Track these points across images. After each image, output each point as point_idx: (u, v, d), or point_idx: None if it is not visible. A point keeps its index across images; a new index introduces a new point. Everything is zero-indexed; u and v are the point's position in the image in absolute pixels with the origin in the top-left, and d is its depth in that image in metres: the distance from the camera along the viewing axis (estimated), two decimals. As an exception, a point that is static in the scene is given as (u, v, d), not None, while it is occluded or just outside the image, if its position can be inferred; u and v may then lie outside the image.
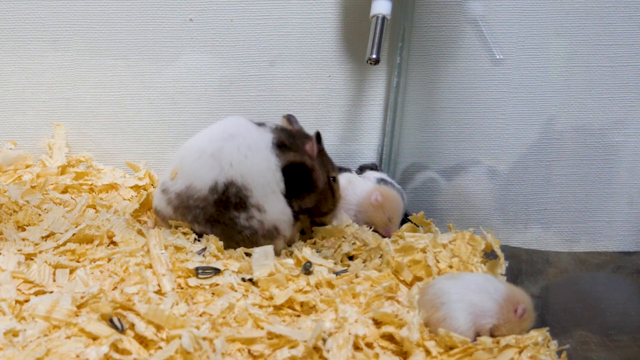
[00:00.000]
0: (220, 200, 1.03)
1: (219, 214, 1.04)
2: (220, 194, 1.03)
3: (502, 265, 1.04)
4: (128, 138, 1.36)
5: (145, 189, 1.27)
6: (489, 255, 1.08)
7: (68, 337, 0.81)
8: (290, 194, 1.07)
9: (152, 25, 1.29)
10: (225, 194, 1.03)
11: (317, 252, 1.08)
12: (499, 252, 1.06)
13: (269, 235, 1.06)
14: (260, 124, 1.11)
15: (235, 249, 1.05)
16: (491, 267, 1.05)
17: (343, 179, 1.20)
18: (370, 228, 1.17)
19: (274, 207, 1.05)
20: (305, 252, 1.04)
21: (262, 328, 0.85)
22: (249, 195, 1.03)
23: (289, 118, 1.16)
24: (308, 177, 1.08)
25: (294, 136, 1.10)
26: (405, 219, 1.22)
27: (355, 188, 1.21)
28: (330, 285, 0.98)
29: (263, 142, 1.06)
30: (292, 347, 0.82)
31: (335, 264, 1.05)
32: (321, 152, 1.10)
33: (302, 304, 0.93)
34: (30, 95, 1.34)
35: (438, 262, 1.05)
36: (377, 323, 0.90)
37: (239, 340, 0.83)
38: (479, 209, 1.28)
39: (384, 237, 1.16)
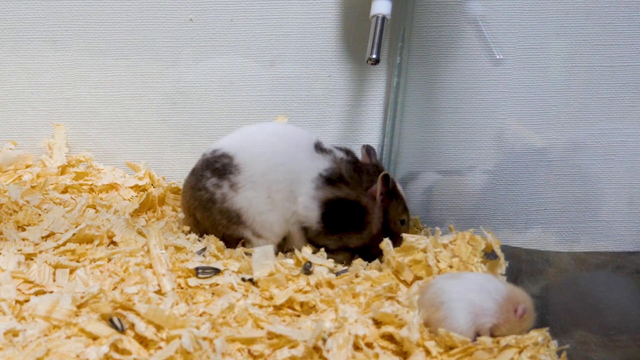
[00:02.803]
0: (209, 159, 1.08)
1: (200, 168, 1.09)
2: (213, 155, 1.08)
3: (503, 265, 1.04)
4: (128, 138, 1.36)
5: (145, 189, 1.27)
6: (489, 255, 1.08)
7: (68, 337, 0.81)
8: (331, 229, 1.06)
9: (152, 25, 1.29)
10: (215, 157, 1.08)
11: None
12: (499, 252, 1.05)
13: (226, 215, 1.06)
14: (326, 150, 1.09)
15: (195, 208, 1.08)
16: (491, 267, 1.05)
17: None
18: None
19: (251, 200, 1.05)
20: (305, 252, 1.04)
21: (262, 328, 0.85)
22: (233, 173, 1.05)
23: (368, 150, 1.13)
24: (356, 215, 1.06)
25: (361, 172, 1.08)
26: None
27: None
28: (330, 285, 0.98)
29: (309, 170, 1.06)
30: (292, 347, 0.82)
31: (335, 264, 1.05)
32: (389, 195, 1.07)
33: (302, 304, 0.93)
34: (30, 95, 1.34)
35: (438, 262, 1.05)
36: (377, 323, 0.90)
37: (239, 340, 0.83)
38: (479, 209, 1.28)
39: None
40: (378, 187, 1.06)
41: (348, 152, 1.11)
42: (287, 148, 1.07)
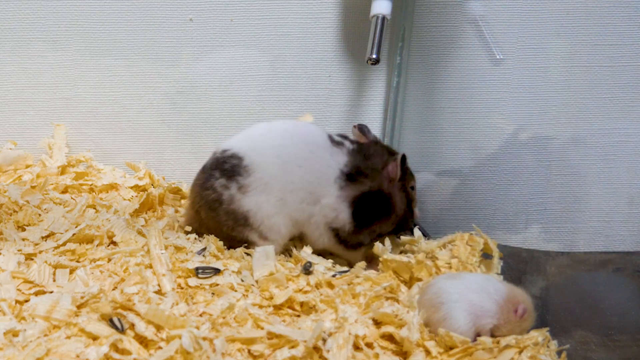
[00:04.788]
0: (218, 158, 1.06)
1: (209, 167, 1.07)
2: (222, 155, 1.06)
3: (497, 264, 1.04)
4: (128, 138, 1.36)
5: (145, 189, 1.27)
6: (490, 255, 1.08)
7: (68, 337, 0.81)
8: (362, 224, 1.05)
9: (152, 25, 1.29)
10: (225, 158, 1.05)
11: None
12: (494, 250, 1.05)
13: (232, 216, 1.04)
14: (339, 143, 1.07)
15: (201, 206, 1.06)
16: (486, 267, 1.05)
17: None
18: None
19: (261, 204, 1.03)
20: (305, 252, 1.04)
21: (262, 328, 0.85)
22: (242, 175, 1.04)
23: (361, 128, 1.11)
24: (382, 203, 1.06)
25: (371, 155, 1.07)
26: None
27: None
28: (330, 285, 0.98)
29: (330, 169, 1.04)
30: (292, 347, 0.82)
31: (334, 264, 1.05)
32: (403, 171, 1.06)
33: (302, 304, 0.93)
34: (30, 95, 1.34)
35: (438, 261, 1.05)
36: (377, 323, 0.90)
37: (239, 340, 0.83)
38: (478, 209, 1.28)
39: None
40: (397, 170, 1.05)
41: (346, 137, 1.10)
42: (302, 147, 1.05)
